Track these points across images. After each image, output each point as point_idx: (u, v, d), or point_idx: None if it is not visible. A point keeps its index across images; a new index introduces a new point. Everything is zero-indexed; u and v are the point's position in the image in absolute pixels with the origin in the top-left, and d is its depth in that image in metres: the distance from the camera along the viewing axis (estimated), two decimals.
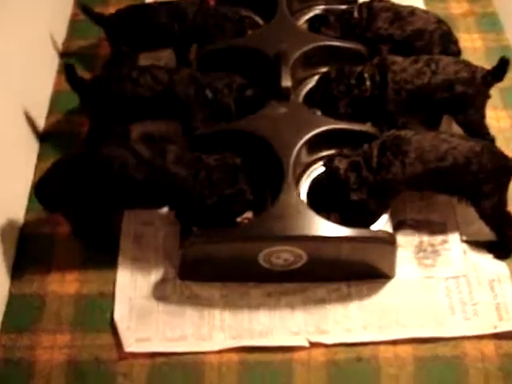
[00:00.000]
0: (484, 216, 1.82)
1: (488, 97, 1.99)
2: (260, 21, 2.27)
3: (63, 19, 2.46)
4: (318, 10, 2.31)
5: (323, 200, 1.82)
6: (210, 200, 1.76)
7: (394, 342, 1.74)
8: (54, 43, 2.32)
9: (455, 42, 2.14)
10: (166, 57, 2.28)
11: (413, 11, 2.14)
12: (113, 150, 1.77)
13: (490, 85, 1.96)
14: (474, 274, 1.86)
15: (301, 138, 1.86)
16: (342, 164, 1.79)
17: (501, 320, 1.76)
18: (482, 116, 2.01)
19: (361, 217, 1.81)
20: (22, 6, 2.04)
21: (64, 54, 2.35)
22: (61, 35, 2.39)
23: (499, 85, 2.16)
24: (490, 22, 2.45)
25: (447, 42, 2.12)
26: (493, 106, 2.15)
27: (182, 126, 2.00)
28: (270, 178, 1.85)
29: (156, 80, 1.95)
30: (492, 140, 2.01)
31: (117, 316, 1.80)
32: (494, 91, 2.18)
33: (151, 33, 2.14)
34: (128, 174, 1.73)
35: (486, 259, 1.88)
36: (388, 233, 1.76)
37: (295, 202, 1.74)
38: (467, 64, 1.98)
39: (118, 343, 1.75)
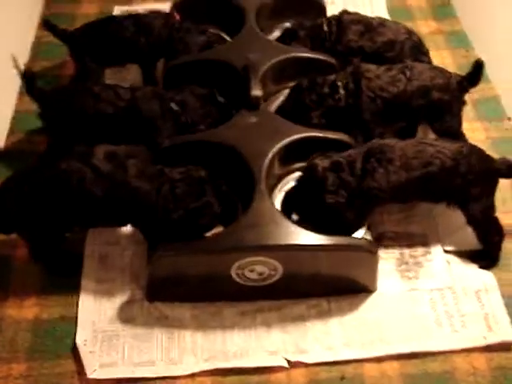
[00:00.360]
0: (473, 220, 1.75)
1: (464, 103, 1.95)
2: (227, 38, 2.22)
3: (26, 41, 2.40)
4: (286, 25, 2.27)
5: (298, 206, 1.73)
6: (176, 214, 1.65)
7: (379, 359, 1.63)
8: (16, 64, 2.24)
9: (426, 53, 2.12)
10: (132, 76, 2.21)
11: (383, 22, 2.12)
12: (70, 164, 1.66)
13: (465, 90, 1.92)
14: (459, 284, 1.76)
15: (272, 147, 1.78)
16: (322, 162, 1.69)
17: (490, 331, 1.66)
18: (459, 123, 1.96)
19: (336, 228, 1.71)
20: None
21: (26, 75, 2.25)
22: (24, 56, 2.31)
23: (472, 97, 2.16)
24: (458, 40, 2.45)
25: (418, 53, 2.09)
26: (467, 117, 2.11)
27: (147, 144, 1.87)
28: (241, 190, 1.75)
29: (118, 96, 1.88)
30: None
31: (79, 340, 1.66)
32: (468, 103, 2.16)
33: (117, 47, 2.07)
34: (86, 188, 1.63)
35: (471, 269, 1.79)
36: (368, 240, 1.67)
37: (268, 210, 1.65)
38: (442, 70, 1.95)
39: (80, 370, 1.61)
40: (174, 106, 1.89)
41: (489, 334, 1.66)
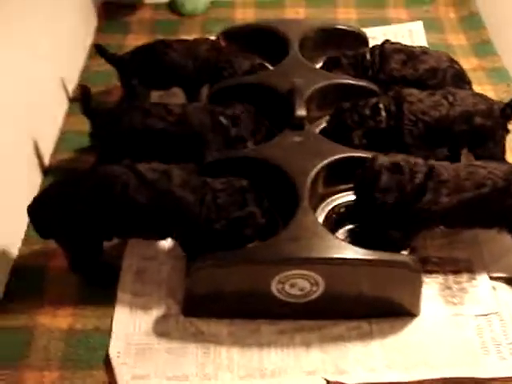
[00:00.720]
0: None
1: (507, 131, 1.93)
2: (270, 67, 2.25)
3: (76, 68, 2.47)
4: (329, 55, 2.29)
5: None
6: (218, 224, 1.63)
7: (422, 383, 1.56)
8: (66, 88, 2.32)
9: (468, 82, 2.11)
10: (177, 100, 2.22)
11: (425, 50, 2.13)
12: (114, 169, 1.67)
13: (509, 117, 1.90)
14: (506, 311, 1.70)
15: (316, 165, 1.77)
16: (381, 159, 1.68)
17: None
18: (503, 151, 1.93)
19: (381, 247, 1.67)
20: (38, 52, 2.08)
21: (73, 99, 2.33)
22: (73, 83, 2.39)
23: None
24: (499, 75, 2.45)
25: (460, 81, 2.09)
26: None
27: (197, 159, 1.88)
28: (284, 207, 1.74)
29: (168, 110, 1.90)
30: None
31: (112, 352, 1.62)
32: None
33: (164, 70, 2.12)
34: (130, 195, 1.62)
35: None
36: (412, 258, 1.62)
37: (311, 224, 1.63)
38: (484, 97, 1.94)
39: (112, 381, 1.57)
40: (223, 119, 1.91)
41: None
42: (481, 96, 1.94)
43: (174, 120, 1.89)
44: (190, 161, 1.86)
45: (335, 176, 1.85)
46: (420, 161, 1.70)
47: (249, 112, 1.94)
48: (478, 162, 1.75)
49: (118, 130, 1.91)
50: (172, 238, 1.76)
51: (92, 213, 1.64)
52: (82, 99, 1.94)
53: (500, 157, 1.93)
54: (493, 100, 1.94)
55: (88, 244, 1.71)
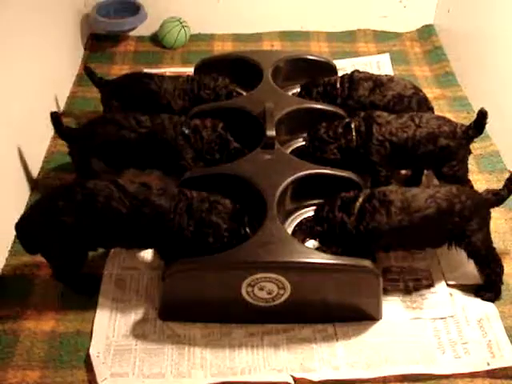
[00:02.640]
0: (475, 253, 1.82)
1: (469, 151, 2.07)
2: (244, 93, 2.40)
3: (63, 93, 2.61)
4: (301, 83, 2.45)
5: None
6: (187, 231, 1.75)
7: (384, 380, 1.67)
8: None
9: (431, 108, 2.27)
10: None
11: (391, 78, 2.30)
12: (97, 183, 1.79)
13: (471, 138, 2.04)
14: (461, 314, 1.82)
15: (285, 180, 1.91)
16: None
17: (493, 357, 1.71)
18: (466, 169, 2.08)
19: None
20: (28, 79, 2.22)
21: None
22: (60, 106, 2.52)
23: (474, 152, 2.31)
24: (460, 104, 2.62)
25: (424, 107, 2.24)
26: (469, 171, 2.25)
27: (172, 168, 2.07)
28: (254, 218, 1.85)
29: (138, 121, 2.05)
30: None
31: (92, 351, 1.72)
32: (470, 158, 2.31)
33: (144, 95, 2.27)
34: (112, 206, 1.74)
35: (473, 300, 1.85)
36: (372, 263, 1.74)
37: (278, 231, 1.75)
38: (448, 119, 2.09)
39: (92, 379, 1.66)
40: (185, 129, 2.06)
41: (492, 360, 1.70)
42: (444, 118, 2.10)
43: (145, 131, 2.05)
44: (164, 167, 2.09)
45: (303, 191, 1.99)
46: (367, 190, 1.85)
47: (214, 125, 2.09)
48: (421, 187, 1.88)
49: (93, 143, 2.05)
50: (151, 246, 1.89)
51: (78, 225, 1.74)
52: (54, 124, 2.08)
53: (463, 176, 2.07)
54: (456, 122, 2.08)
55: (73, 256, 1.81)
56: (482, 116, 2.01)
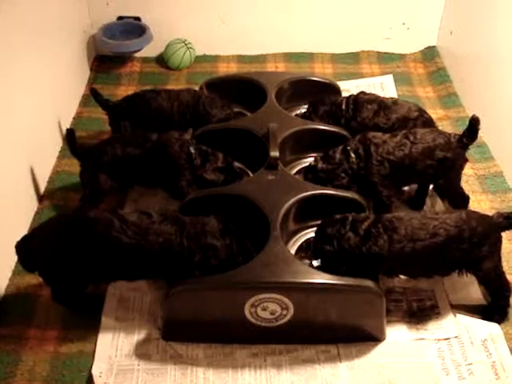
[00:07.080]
0: (486, 279, 1.81)
1: (466, 160, 2.08)
2: (249, 114, 2.43)
3: (69, 114, 2.65)
4: (304, 108, 2.47)
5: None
6: (196, 255, 1.76)
7: None
8: (61, 131, 2.49)
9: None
10: None
11: (396, 101, 2.31)
12: (98, 213, 1.79)
13: (465, 146, 2.05)
14: (466, 334, 1.81)
15: (288, 200, 1.92)
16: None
17: (498, 379, 1.70)
18: (459, 178, 2.10)
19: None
20: (36, 99, 2.26)
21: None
22: (66, 126, 2.50)
23: (478, 172, 2.32)
24: (464, 124, 2.57)
25: None
26: (472, 191, 2.27)
27: (171, 189, 2.10)
28: (258, 239, 1.86)
29: (145, 138, 2.08)
30: (467, 198, 2.11)
31: (95, 371, 1.72)
32: (474, 179, 2.32)
33: (151, 113, 2.29)
34: (113, 235, 1.72)
35: (477, 321, 1.84)
36: (375, 283, 1.74)
37: (281, 252, 1.76)
38: (441, 131, 2.10)
39: None
40: (192, 149, 2.08)
41: (497, 382, 1.69)
42: (438, 131, 2.11)
43: (150, 145, 2.07)
44: (168, 184, 2.10)
45: (306, 212, 1.99)
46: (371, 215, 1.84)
47: (216, 153, 2.11)
48: (430, 214, 1.84)
49: (103, 161, 2.07)
50: (155, 275, 1.87)
51: (77, 254, 1.73)
52: (68, 141, 2.11)
53: (458, 184, 2.10)
54: (449, 133, 2.09)
55: (72, 283, 1.80)
56: (475, 122, 2.02)
